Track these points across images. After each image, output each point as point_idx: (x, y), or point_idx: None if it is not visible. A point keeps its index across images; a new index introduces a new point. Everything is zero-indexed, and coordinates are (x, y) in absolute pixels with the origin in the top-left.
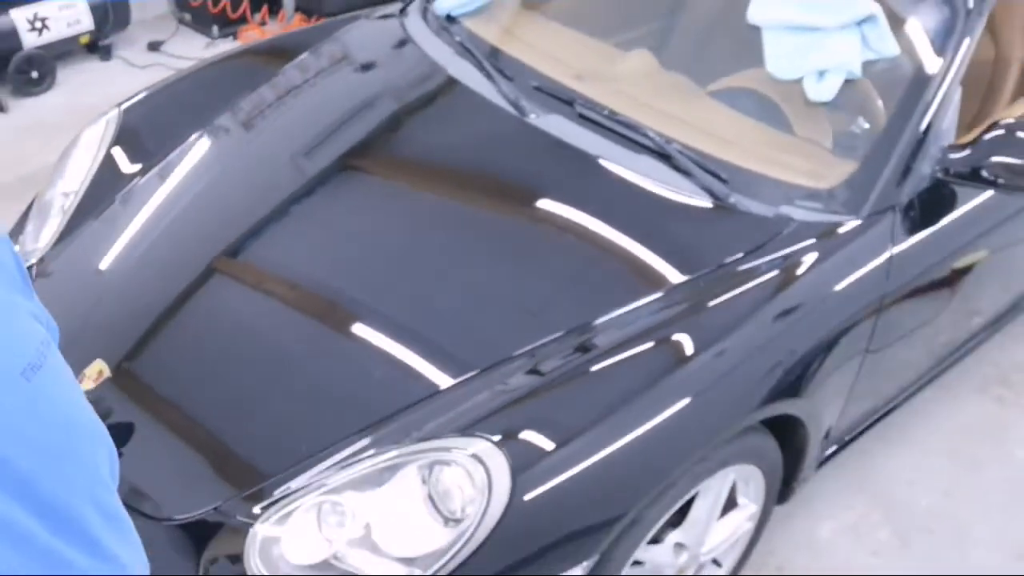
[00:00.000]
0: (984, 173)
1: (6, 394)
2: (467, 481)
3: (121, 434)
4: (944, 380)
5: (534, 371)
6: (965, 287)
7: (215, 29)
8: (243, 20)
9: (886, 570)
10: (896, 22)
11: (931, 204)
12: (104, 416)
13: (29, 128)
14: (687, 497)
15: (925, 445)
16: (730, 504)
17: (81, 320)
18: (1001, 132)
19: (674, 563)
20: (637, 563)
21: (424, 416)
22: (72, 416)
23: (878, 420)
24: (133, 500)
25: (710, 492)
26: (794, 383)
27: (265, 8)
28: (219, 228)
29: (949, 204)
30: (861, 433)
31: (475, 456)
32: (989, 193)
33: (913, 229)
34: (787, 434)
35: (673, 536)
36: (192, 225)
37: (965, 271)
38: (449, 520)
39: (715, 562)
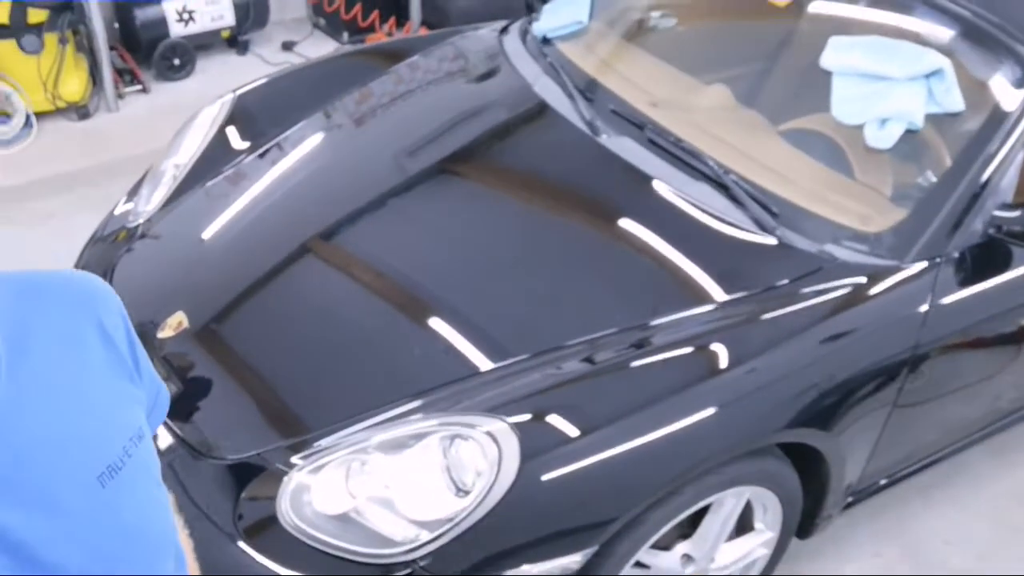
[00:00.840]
0: None
1: (76, 498)
2: (481, 456)
3: (189, 380)
4: (999, 445)
5: (588, 359)
6: (1016, 353)
7: (345, 35)
8: (372, 28)
9: None
10: (966, 79)
11: (983, 261)
12: (176, 363)
13: (166, 109)
14: (696, 508)
15: (968, 506)
16: (748, 528)
17: (173, 277)
18: None
19: (680, 573)
20: (642, 565)
21: (467, 392)
22: (138, 525)
23: (912, 474)
24: (190, 437)
25: (722, 508)
26: (818, 416)
27: (393, 19)
28: (316, 211)
29: (1002, 264)
30: (892, 484)
31: (490, 434)
32: None
33: (959, 284)
34: (810, 469)
35: (682, 547)
36: (291, 205)
37: (1013, 335)
38: (460, 490)
39: None
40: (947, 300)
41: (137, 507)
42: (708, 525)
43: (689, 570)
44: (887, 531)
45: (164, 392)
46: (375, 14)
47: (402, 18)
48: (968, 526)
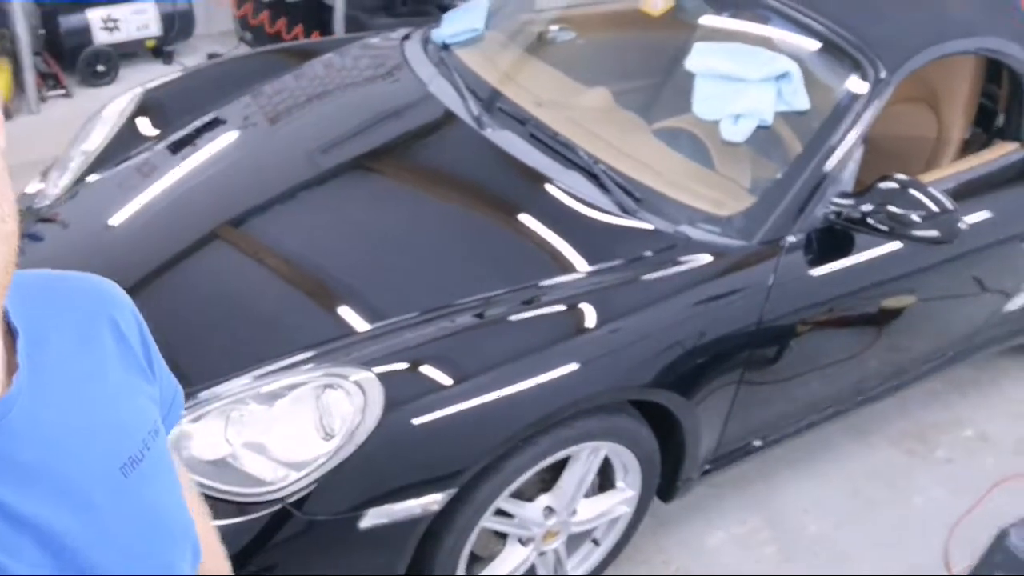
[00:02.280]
0: (871, 220)
1: (99, 490)
2: (347, 403)
3: None
4: (861, 425)
5: (479, 315)
6: (862, 334)
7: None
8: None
9: None
10: (813, 81)
11: (827, 246)
12: None
13: (87, 113)
14: (552, 459)
15: (828, 479)
16: (611, 487)
17: (74, 253)
18: (894, 185)
19: (543, 523)
20: (506, 514)
21: (355, 347)
22: (158, 517)
23: (770, 444)
24: None
25: (578, 462)
26: (672, 379)
27: (316, 33)
28: (215, 195)
29: (845, 249)
30: (749, 453)
31: (357, 383)
32: (897, 245)
33: (803, 264)
34: (669, 434)
35: (544, 499)
36: (192, 190)
37: (862, 318)
38: (328, 435)
39: (594, 541)
40: (790, 279)
41: (157, 498)
42: (567, 478)
43: (551, 521)
44: (752, 501)
45: (180, 393)
46: (298, 28)
47: (325, 32)
48: (827, 498)
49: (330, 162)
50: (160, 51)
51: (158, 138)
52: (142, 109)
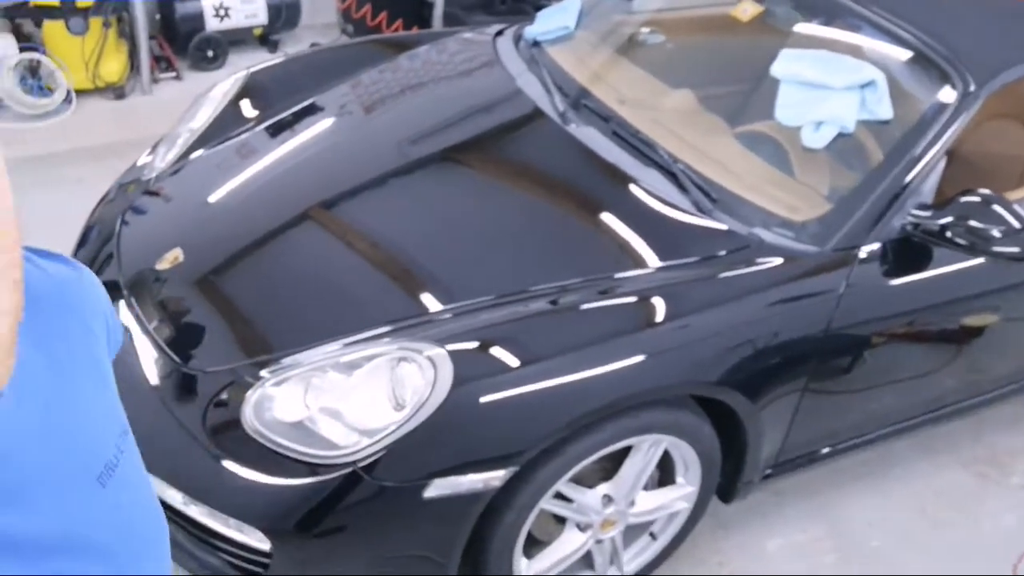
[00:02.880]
0: (949, 234)
1: (79, 502)
2: (419, 377)
3: (179, 305)
4: (932, 443)
5: (552, 302)
6: (938, 350)
7: (350, 29)
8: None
9: None
10: (899, 91)
11: (904, 257)
12: (169, 291)
13: (193, 95)
14: (613, 447)
15: (895, 496)
16: (670, 482)
17: (175, 223)
18: (976, 200)
19: (601, 511)
20: (565, 499)
21: (431, 325)
22: (137, 520)
23: (835, 455)
24: (174, 350)
25: (639, 453)
26: (736, 379)
27: (415, 28)
28: (311, 177)
29: (922, 262)
30: (813, 462)
31: (430, 359)
32: (979, 261)
33: (876, 274)
34: (732, 435)
35: (604, 487)
36: (288, 172)
37: (938, 334)
38: (399, 405)
39: (651, 535)
40: (862, 288)
41: (135, 500)
42: (627, 468)
43: (609, 510)
44: (815, 510)
45: (120, 332)
46: (398, 22)
47: (424, 27)
48: (893, 514)
49: (419, 151)
50: (266, 39)
51: (258, 120)
52: (245, 91)
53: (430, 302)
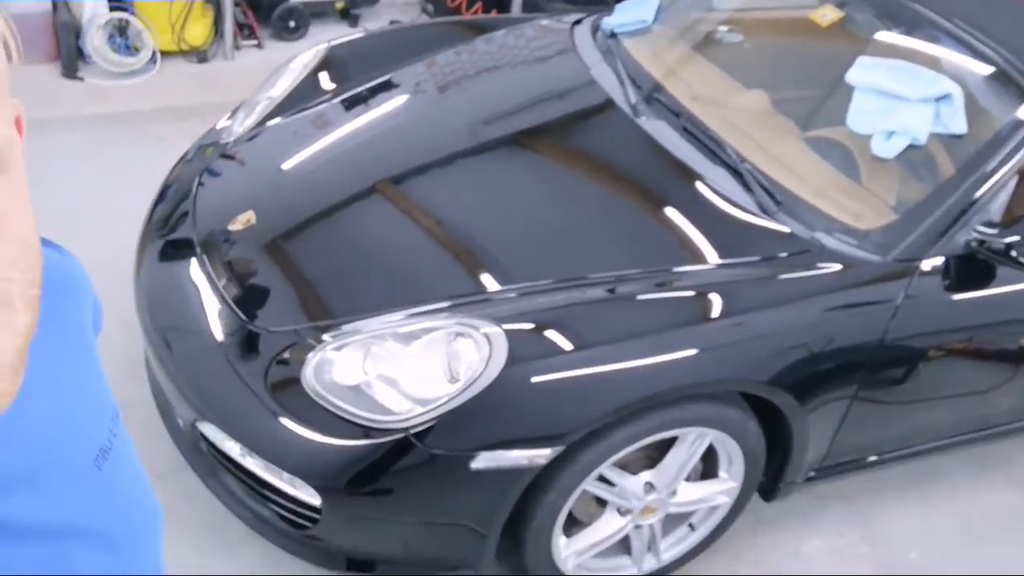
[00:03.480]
0: (1014, 252)
1: (77, 486)
2: (475, 352)
3: (249, 267)
4: (982, 461)
5: (610, 290)
6: (995, 369)
7: (430, 8)
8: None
9: None
10: (975, 106)
11: (966, 273)
12: (240, 253)
13: (273, 63)
14: (659, 436)
15: (939, 509)
16: (713, 476)
17: (249, 187)
18: None
19: (642, 497)
20: (608, 482)
21: (490, 304)
22: (133, 502)
23: (879, 463)
24: (242, 308)
25: (684, 444)
26: (786, 380)
27: (494, 11)
28: (385, 152)
29: (984, 279)
30: (857, 469)
31: (487, 336)
32: None
33: (937, 288)
34: (776, 434)
35: (647, 474)
36: (363, 145)
37: (996, 353)
38: (454, 378)
39: (690, 526)
40: (921, 301)
41: (129, 482)
42: (671, 458)
43: (650, 497)
44: (856, 515)
45: (100, 314)
46: (478, 5)
47: (503, 11)
48: (935, 528)
49: (490, 134)
50: (347, 13)
51: (335, 92)
52: (325, 64)
53: (489, 281)
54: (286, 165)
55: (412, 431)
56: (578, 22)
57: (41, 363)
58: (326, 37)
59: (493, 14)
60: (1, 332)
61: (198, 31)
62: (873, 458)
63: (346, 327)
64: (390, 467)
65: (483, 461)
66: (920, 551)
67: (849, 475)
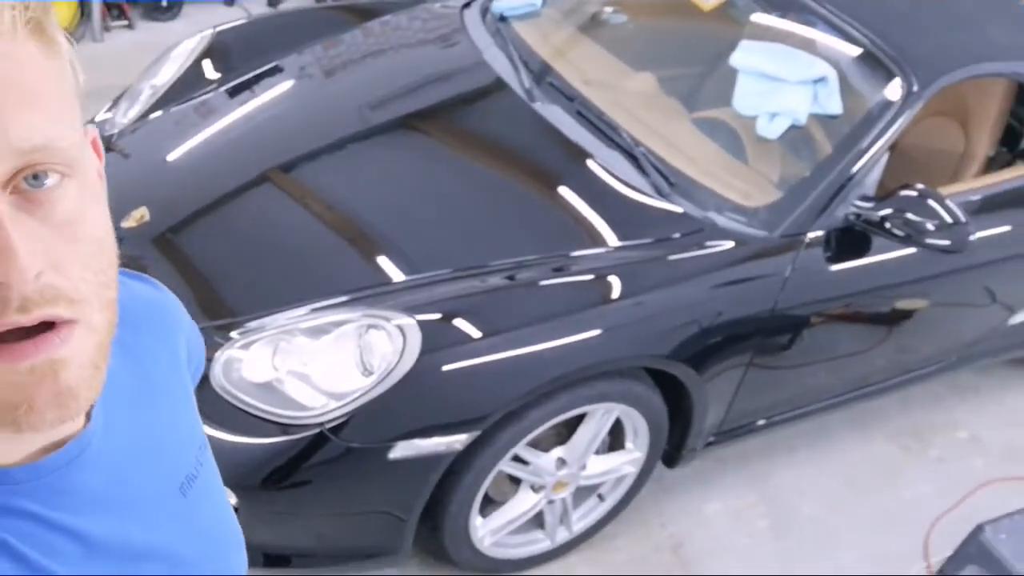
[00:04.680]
0: (888, 225)
1: (163, 511)
2: (388, 344)
3: (147, 264)
4: (861, 418)
5: (510, 277)
6: (872, 332)
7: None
8: None
9: (754, 551)
10: (848, 87)
11: (846, 244)
12: (135, 251)
13: (147, 46)
14: (570, 414)
15: (825, 466)
16: (620, 448)
17: (138, 181)
18: (914, 194)
19: (554, 473)
20: (522, 461)
21: (393, 295)
22: (217, 529)
23: (773, 425)
24: None
25: (593, 420)
26: (686, 353)
27: None
28: (275, 142)
29: (862, 249)
30: (752, 432)
31: (399, 327)
32: (912, 250)
33: (820, 260)
34: (678, 405)
35: (558, 451)
36: (252, 136)
37: (872, 316)
38: (367, 371)
39: (599, 496)
40: (807, 272)
41: (214, 511)
42: (581, 434)
43: (562, 472)
44: (751, 477)
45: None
46: None
47: None
48: (823, 482)
49: (381, 118)
50: None
51: (220, 81)
52: (210, 51)
53: (390, 272)
54: (176, 157)
55: (327, 426)
56: (467, 5)
57: (128, 391)
58: (201, 18)
59: None
60: (80, 330)
61: (62, 12)
62: (766, 421)
63: (251, 324)
64: (306, 462)
65: (401, 450)
66: (811, 506)
67: (745, 438)
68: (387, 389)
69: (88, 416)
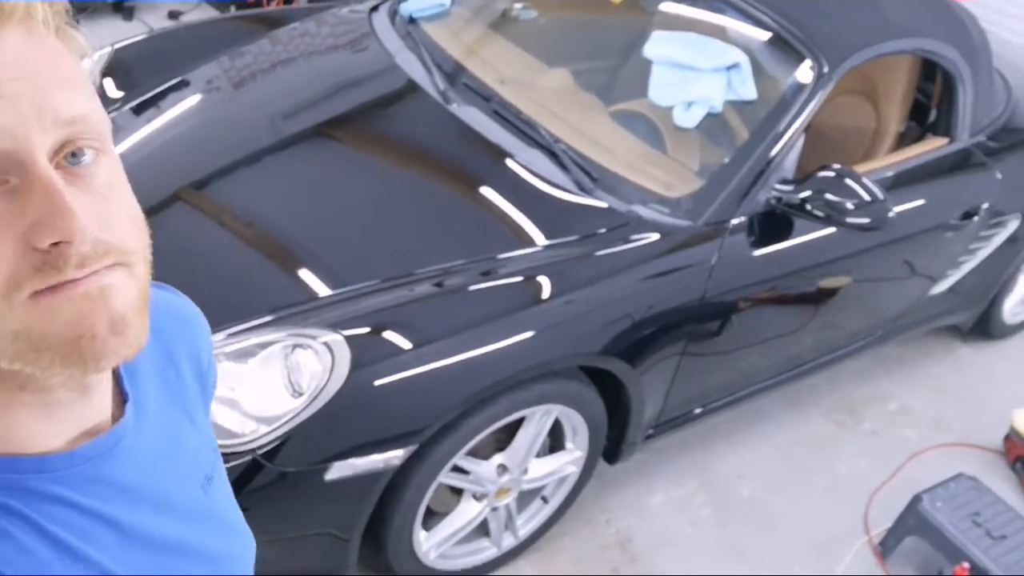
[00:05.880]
0: (809, 206)
1: (189, 506)
2: (316, 363)
3: None
4: (795, 397)
5: (438, 284)
6: (800, 312)
7: (233, 8)
8: (259, 3)
9: (699, 540)
10: (761, 72)
11: (769, 229)
12: None
13: None
14: (508, 420)
15: (762, 447)
16: (560, 448)
17: None
18: (831, 174)
19: (496, 481)
20: (462, 471)
21: (319, 311)
22: (233, 525)
23: (710, 412)
24: None
25: (531, 423)
26: (621, 348)
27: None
28: (186, 161)
29: (785, 232)
30: (690, 421)
31: (327, 344)
32: (833, 230)
33: (745, 245)
34: (616, 401)
35: (498, 457)
36: (162, 155)
37: (799, 297)
38: (296, 392)
39: (543, 499)
40: (732, 258)
41: (229, 509)
42: (521, 438)
43: (504, 479)
44: (691, 465)
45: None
46: None
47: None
48: (760, 464)
49: (294, 128)
50: (121, 6)
51: (124, 99)
52: (110, 69)
53: (315, 287)
54: None
55: (259, 452)
56: (375, 9)
57: (159, 390)
58: (98, 33)
59: (295, 3)
60: (123, 271)
61: None
62: (703, 409)
63: None
64: (240, 491)
65: (337, 471)
66: (751, 488)
67: (683, 428)
68: (318, 409)
69: (122, 410)
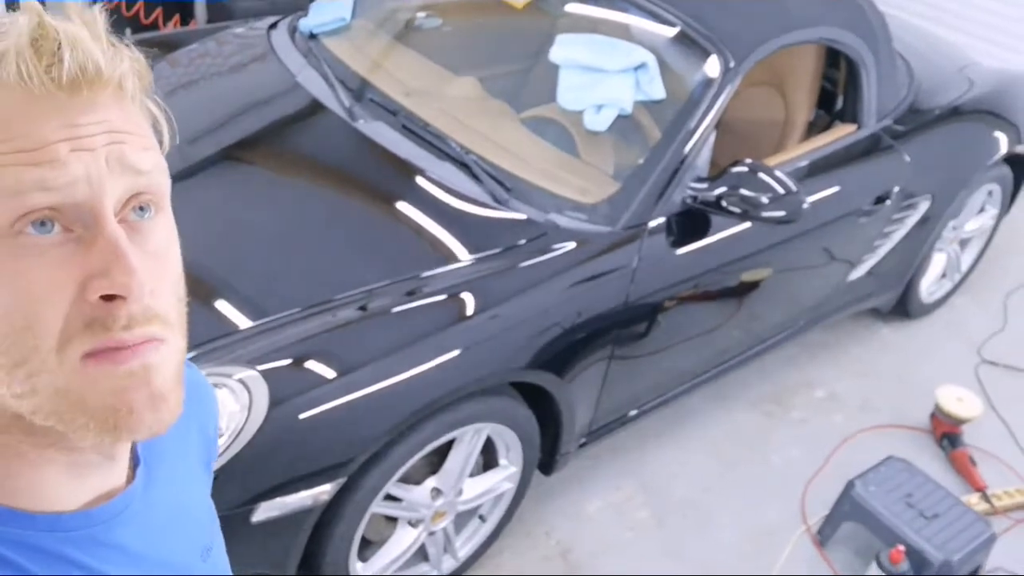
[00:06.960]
0: (724, 203)
1: (190, 569)
2: (233, 401)
3: None
4: (723, 391)
5: (362, 308)
6: (723, 307)
7: (128, 32)
8: (155, 26)
9: (639, 543)
10: (669, 71)
11: (687, 228)
12: None
13: None
14: (438, 443)
15: (693, 445)
16: (494, 465)
17: None
18: (744, 169)
19: (431, 505)
20: (395, 499)
21: (237, 344)
22: None
23: (641, 415)
24: None
25: (462, 444)
26: (548, 360)
27: (177, 17)
28: None
29: (702, 230)
30: (622, 425)
31: (242, 381)
32: (747, 224)
33: (664, 246)
34: (547, 412)
35: (431, 481)
36: None
37: (722, 292)
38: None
39: (480, 517)
40: (653, 260)
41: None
42: (452, 460)
43: (439, 502)
44: (626, 469)
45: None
46: (158, 11)
47: (187, 16)
48: (693, 462)
49: (200, 153)
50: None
51: None
52: None
53: (234, 319)
54: None
55: None
56: (273, 26)
57: (171, 456)
58: None
59: (175, 23)
60: (167, 347)
61: None
62: (634, 412)
63: None
64: None
65: (264, 512)
66: (685, 487)
67: (616, 433)
68: (240, 449)
69: (133, 472)
